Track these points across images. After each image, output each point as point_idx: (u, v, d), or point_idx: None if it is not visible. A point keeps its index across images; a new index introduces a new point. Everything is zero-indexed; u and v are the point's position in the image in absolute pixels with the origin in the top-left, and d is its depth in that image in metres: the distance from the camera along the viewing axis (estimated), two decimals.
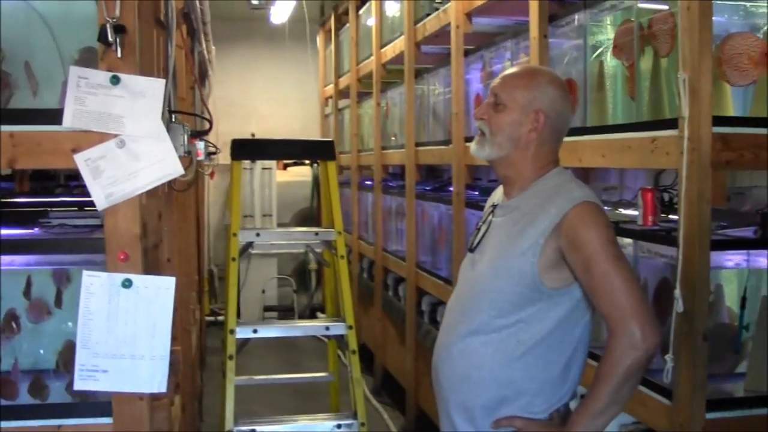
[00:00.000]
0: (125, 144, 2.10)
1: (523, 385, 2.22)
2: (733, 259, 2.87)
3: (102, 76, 2.07)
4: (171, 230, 3.33)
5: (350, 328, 3.73)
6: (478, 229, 2.41)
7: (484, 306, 2.26)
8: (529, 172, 2.32)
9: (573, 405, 2.29)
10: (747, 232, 2.82)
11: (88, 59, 2.17)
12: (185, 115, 3.36)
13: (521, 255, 2.19)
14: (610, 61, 3.12)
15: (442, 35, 4.89)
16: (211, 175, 8.78)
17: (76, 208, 3.17)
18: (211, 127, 3.19)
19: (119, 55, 2.05)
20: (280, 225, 9.61)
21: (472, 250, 2.39)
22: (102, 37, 2.02)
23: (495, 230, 2.34)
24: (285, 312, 9.68)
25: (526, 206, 2.28)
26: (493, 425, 2.23)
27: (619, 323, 2.07)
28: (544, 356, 2.22)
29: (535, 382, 2.22)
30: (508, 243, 2.24)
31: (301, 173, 10.08)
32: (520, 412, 2.22)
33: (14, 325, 2.37)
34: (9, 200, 3.64)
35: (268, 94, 10.43)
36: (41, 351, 2.38)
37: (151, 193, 2.40)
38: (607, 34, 3.19)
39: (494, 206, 2.41)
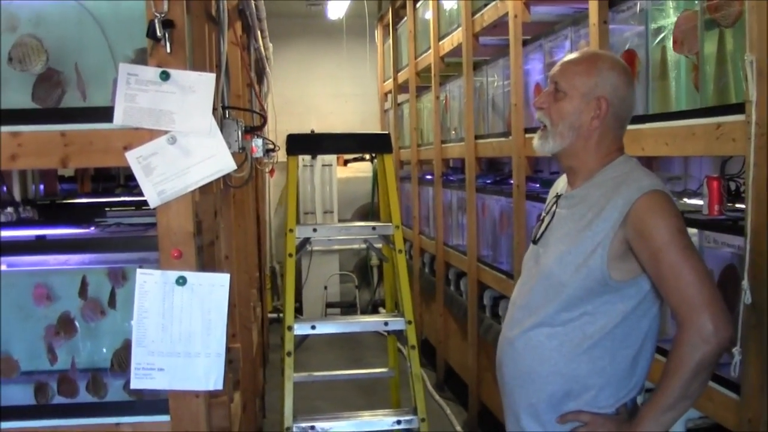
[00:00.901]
0: (176, 140, 2.08)
1: (589, 380, 2.16)
2: None
3: (152, 72, 2.06)
4: (228, 227, 3.33)
5: (409, 323, 3.69)
6: (542, 221, 2.36)
7: (549, 300, 2.20)
8: (593, 162, 2.25)
9: (640, 400, 2.23)
10: None
11: (144, 60, 2.16)
12: (240, 112, 3.35)
13: (591, 250, 2.13)
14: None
15: (500, 26, 4.82)
16: (271, 172, 8.80)
17: (133, 207, 3.18)
18: (264, 123, 3.17)
19: (168, 50, 2.04)
20: (341, 221, 9.60)
21: (535, 242, 2.33)
22: (150, 32, 2.01)
23: (560, 222, 2.28)
24: (347, 308, 9.68)
25: (591, 197, 2.21)
26: (559, 420, 2.18)
27: (690, 316, 2.00)
28: (610, 350, 2.16)
29: (601, 376, 2.16)
30: (575, 236, 2.18)
31: (362, 169, 10.07)
32: (586, 407, 2.17)
33: (73, 325, 2.37)
34: (69, 201, 3.66)
35: (327, 91, 10.43)
36: (102, 350, 2.37)
37: (205, 190, 2.39)
38: (670, 17, 3.09)
39: (558, 197, 2.34)
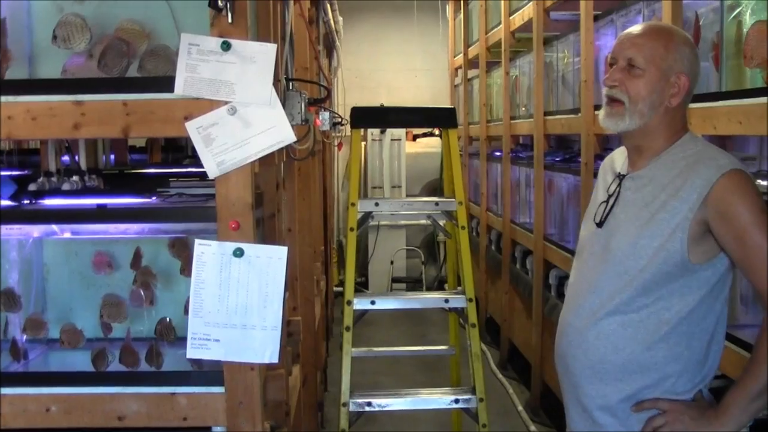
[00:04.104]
0: (236, 111, 2.07)
1: (667, 367, 2.10)
2: None
3: (213, 42, 2.05)
4: (291, 200, 3.33)
5: (470, 300, 3.64)
6: (606, 202, 2.26)
7: (623, 286, 2.12)
8: (662, 140, 2.18)
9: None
10: None
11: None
12: (304, 84, 3.34)
13: (669, 233, 2.06)
14: (749, 21, 2.92)
15: (571, 0, 4.72)
16: (339, 146, 8.81)
17: (198, 178, 3.19)
18: (328, 96, 3.15)
19: (230, 20, 2.03)
20: (409, 196, 9.58)
21: (600, 225, 2.25)
22: (212, 2, 1.99)
23: (627, 204, 2.20)
24: (413, 283, 9.68)
25: (663, 177, 2.13)
26: (635, 408, 2.12)
27: None
28: (687, 334, 2.10)
29: (678, 363, 2.10)
30: (649, 218, 2.10)
31: (431, 144, 10.03)
32: (665, 395, 2.11)
33: (143, 293, 2.39)
34: (136, 171, 3.69)
35: (397, 65, 10.40)
36: (167, 319, 2.39)
37: (267, 162, 2.39)
38: None
39: (620, 176, 2.27)
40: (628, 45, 2.17)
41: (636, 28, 2.21)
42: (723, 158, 2.09)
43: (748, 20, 2.92)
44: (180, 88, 2.05)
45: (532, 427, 5.27)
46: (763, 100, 2.64)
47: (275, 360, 2.14)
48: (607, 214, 2.23)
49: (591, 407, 2.17)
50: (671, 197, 2.07)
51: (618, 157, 2.36)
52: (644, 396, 2.11)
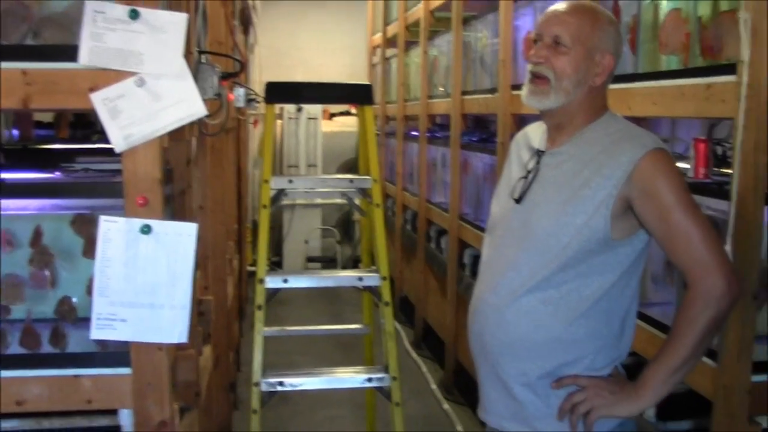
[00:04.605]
0: (145, 82, 1.99)
1: (587, 344, 2.10)
2: None
3: (120, 10, 1.96)
4: (203, 177, 3.24)
5: (384, 279, 3.61)
6: (525, 178, 2.22)
7: (545, 263, 2.10)
8: (582, 118, 2.17)
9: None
10: None
11: None
12: (218, 59, 3.25)
13: (593, 209, 2.04)
14: (666, 6, 2.94)
15: None
16: (255, 123, 8.70)
17: (106, 154, 3.09)
18: (242, 70, 3.07)
19: None
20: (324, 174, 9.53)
21: (518, 201, 2.21)
22: None
23: (547, 180, 2.17)
24: (328, 263, 9.65)
25: (585, 154, 2.12)
26: (555, 385, 2.11)
27: (703, 275, 1.96)
28: (606, 311, 2.10)
29: (598, 339, 2.11)
30: (572, 195, 2.08)
31: (348, 123, 9.97)
32: (585, 372, 2.11)
33: (43, 273, 2.29)
34: (41, 147, 3.56)
35: (315, 43, 10.30)
36: (73, 299, 2.29)
37: (177, 137, 2.31)
38: None
39: (539, 152, 2.24)
40: (554, 22, 2.14)
41: (561, 6, 2.18)
42: (647, 137, 2.10)
43: (665, 5, 2.94)
44: (85, 57, 1.95)
45: (446, 405, 5.29)
46: (678, 81, 2.67)
47: (184, 339, 2.07)
48: (526, 191, 2.20)
49: (511, 384, 2.16)
50: (595, 174, 2.06)
51: (533, 133, 2.33)
52: (564, 372, 2.11)
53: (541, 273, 2.09)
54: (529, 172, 2.22)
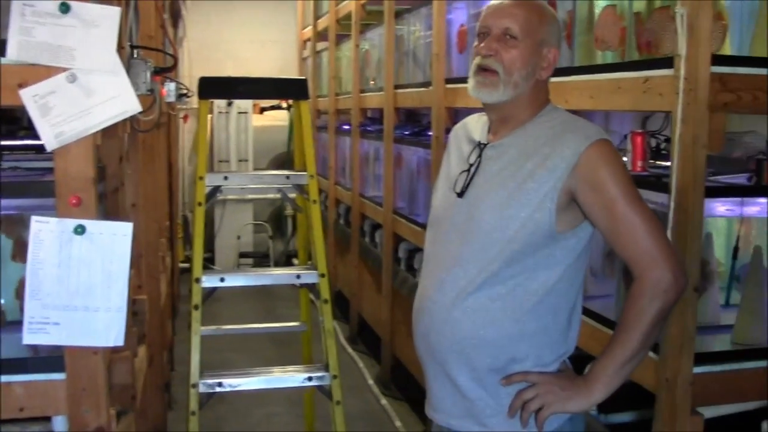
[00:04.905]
0: (77, 78, 1.93)
1: (536, 338, 2.08)
2: (723, 207, 2.74)
3: (50, 3, 1.89)
4: (136, 174, 3.17)
5: (322, 276, 3.57)
6: (467, 171, 2.18)
7: (491, 258, 2.06)
8: (527, 111, 2.15)
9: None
10: (740, 179, 2.69)
11: None
12: (150, 53, 3.18)
13: (537, 202, 2.02)
14: (601, 2, 2.95)
15: None
16: (185, 118, 8.58)
17: (35, 151, 2.99)
18: (176, 64, 3.01)
19: None
20: (256, 170, 9.43)
21: (460, 195, 2.17)
22: None
23: (490, 173, 2.13)
24: (260, 258, 9.56)
25: (528, 146, 2.09)
26: (504, 382, 2.08)
27: (649, 267, 1.97)
28: (554, 305, 2.08)
29: (546, 334, 2.09)
30: (516, 188, 2.05)
31: (278, 118, 9.89)
32: (534, 367, 2.09)
33: None
34: None
35: (245, 36, 10.18)
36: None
37: (109, 134, 2.25)
38: None
39: (481, 145, 2.20)
40: (503, 15, 2.11)
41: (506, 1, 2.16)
42: (590, 128, 2.09)
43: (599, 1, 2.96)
44: (13, 52, 1.88)
45: (383, 401, 5.27)
46: (615, 75, 2.68)
47: (120, 343, 2.01)
48: (468, 184, 2.16)
49: (460, 383, 2.12)
50: (538, 167, 2.05)
51: (474, 126, 2.30)
52: (514, 369, 2.09)
53: (488, 269, 2.06)
54: (471, 165, 2.18)
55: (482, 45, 2.12)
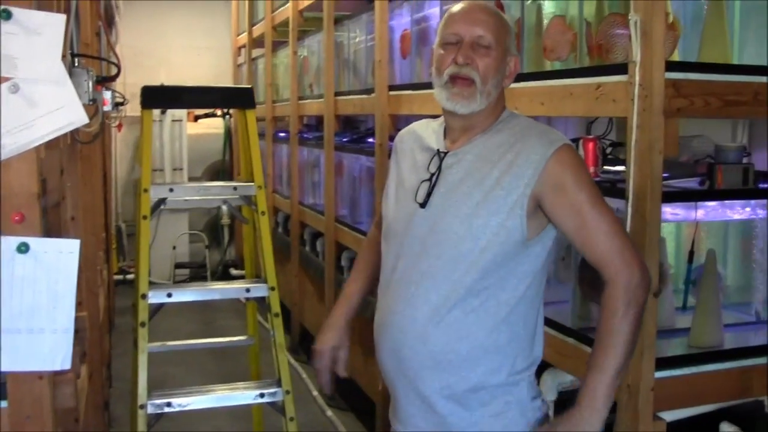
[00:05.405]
0: (19, 88, 1.83)
1: (509, 348, 2.06)
2: (676, 211, 2.74)
3: None
4: (75, 186, 3.06)
5: (272, 289, 3.50)
6: (429, 181, 2.12)
7: (463, 271, 2.01)
8: (488, 119, 2.12)
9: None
10: (691, 183, 2.70)
11: None
12: (90, 61, 3.08)
13: (507, 210, 1.99)
14: (549, 8, 2.94)
15: None
16: (119, 127, 8.41)
17: None
18: (119, 73, 2.91)
19: None
20: (191, 179, 9.31)
21: (423, 205, 2.10)
22: None
23: (452, 183, 2.08)
24: (197, 269, 9.42)
25: (491, 154, 2.06)
26: None
27: (622, 267, 1.97)
28: (524, 313, 2.07)
29: (518, 342, 2.07)
30: (483, 197, 2.01)
31: (213, 125, 9.77)
32: (509, 377, 2.06)
33: None
34: None
35: (179, 43, 10.03)
36: None
37: (52, 146, 2.16)
38: None
39: (440, 153, 2.14)
40: (475, 22, 2.07)
41: (472, 7, 2.11)
42: (552, 133, 2.07)
43: (547, 5, 2.94)
44: None
45: (329, 412, 5.20)
46: (566, 81, 2.66)
47: (67, 366, 1.91)
48: (430, 194, 2.11)
49: (433, 399, 2.07)
50: (504, 173, 2.01)
51: (424, 132, 2.25)
52: (490, 382, 2.05)
53: (462, 282, 2.02)
54: (432, 174, 2.13)
55: (459, 53, 2.06)
